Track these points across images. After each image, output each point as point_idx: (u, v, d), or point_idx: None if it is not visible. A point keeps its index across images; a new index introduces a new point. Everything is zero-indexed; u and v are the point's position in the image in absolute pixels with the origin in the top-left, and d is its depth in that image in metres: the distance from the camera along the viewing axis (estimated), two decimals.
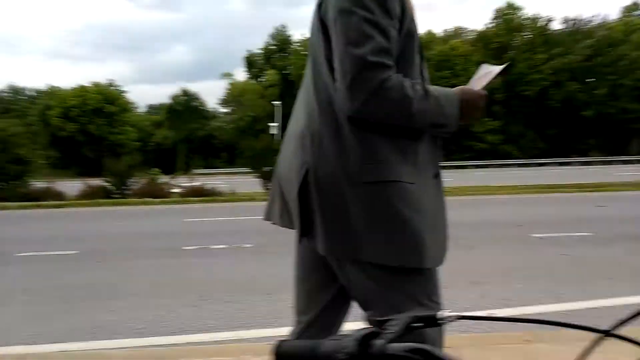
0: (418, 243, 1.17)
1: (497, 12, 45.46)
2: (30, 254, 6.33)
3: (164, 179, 16.26)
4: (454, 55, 40.17)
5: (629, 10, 46.14)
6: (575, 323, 0.56)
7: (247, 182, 16.52)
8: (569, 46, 41.86)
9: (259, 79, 48.51)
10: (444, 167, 1.52)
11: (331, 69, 1.20)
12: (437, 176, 1.28)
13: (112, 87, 46.92)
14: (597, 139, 41.49)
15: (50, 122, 41.49)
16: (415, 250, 1.17)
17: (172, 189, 15.21)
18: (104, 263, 5.86)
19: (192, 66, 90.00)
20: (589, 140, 41.39)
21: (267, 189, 15.03)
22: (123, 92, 47.64)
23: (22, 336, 3.36)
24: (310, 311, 1.37)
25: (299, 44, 46.96)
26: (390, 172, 1.18)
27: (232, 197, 14.30)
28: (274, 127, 35.56)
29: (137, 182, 15.00)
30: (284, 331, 3.29)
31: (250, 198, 13.79)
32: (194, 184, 15.56)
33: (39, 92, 50.51)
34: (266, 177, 15.11)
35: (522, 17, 44.73)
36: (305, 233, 1.24)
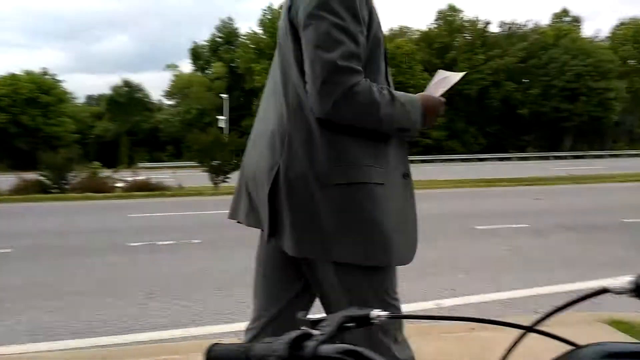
0: (387, 243, 1.21)
1: (439, 13, 46.92)
2: None
3: (106, 173, 15.59)
4: (400, 53, 41.06)
5: (558, 16, 49.17)
6: (501, 320, 0.59)
7: (194, 176, 16.15)
8: (505, 48, 43.87)
9: (205, 72, 47.43)
10: None
11: (301, 71, 1.21)
12: (406, 176, 1.31)
13: (46, 76, 44.25)
14: (532, 135, 43.86)
15: None
16: (384, 250, 1.21)
17: (115, 183, 14.61)
18: (41, 261, 5.54)
19: (134, 56, 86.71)
20: (525, 137, 43.68)
21: (216, 183, 14.78)
22: (59, 81, 45.03)
23: None
24: (272, 307, 1.38)
25: (245, 37, 46.31)
26: (360, 174, 1.20)
27: (180, 191, 13.94)
28: (221, 120, 34.98)
29: (77, 176, 14.29)
30: (235, 327, 3.29)
31: (198, 193, 13.50)
32: (138, 178, 15.02)
33: None
34: (214, 171, 14.85)
35: (463, 19, 46.42)
36: (273, 233, 1.25)
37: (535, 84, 42.84)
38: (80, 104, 51.38)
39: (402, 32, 48.22)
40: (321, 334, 0.50)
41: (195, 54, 48.66)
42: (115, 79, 73.45)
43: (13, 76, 41.48)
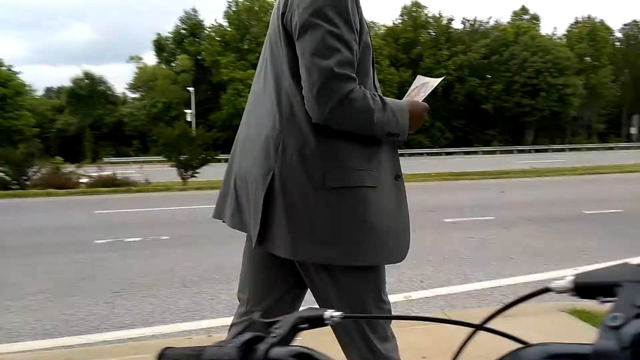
0: (380, 243, 1.26)
1: (404, 9, 47.43)
2: None
3: (69, 168, 15.09)
4: None
5: (517, 14, 50.56)
6: (452, 319, 0.60)
7: (162, 171, 15.85)
8: (468, 45, 44.79)
9: (170, 64, 46.44)
10: None
11: (294, 77, 1.24)
12: (398, 177, 1.35)
13: (2, 67, 42.42)
14: (497, 130, 45.00)
15: None
16: (378, 251, 1.26)
17: (79, 179, 14.18)
18: (2, 260, 5.34)
19: (96, 47, 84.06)
20: (490, 131, 44.78)
21: (184, 178, 14.55)
22: (15, 73, 43.23)
23: None
24: (264, 302, 1.41)
25: (211, 29, 45.53)
26: (353, 178, 1.24)
27: (147, 187, 13.66)
28: (188, 114, 34.39)
29: (38, 172, 13.81)
30: (205, 324, 3.26)
31: (166, 188, 13.27)
32: (103, 173, 14.63)
33: None
34: (182, 166, 14.61)
35: (427, 16, 47.08)
36: (264, 237, 1.27)
37: (498, 80, 43.96)
38: (39, 96, 49.54)
39: (369, 27, 48.57)
40: (274, 337, 0.50)
41: (160, 46, 47.54)
42: (76, 71, 71.10)
43: None
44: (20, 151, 14.03)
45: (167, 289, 4.12)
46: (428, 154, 35.87)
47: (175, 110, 40.79)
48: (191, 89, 37.42)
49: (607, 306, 0.44)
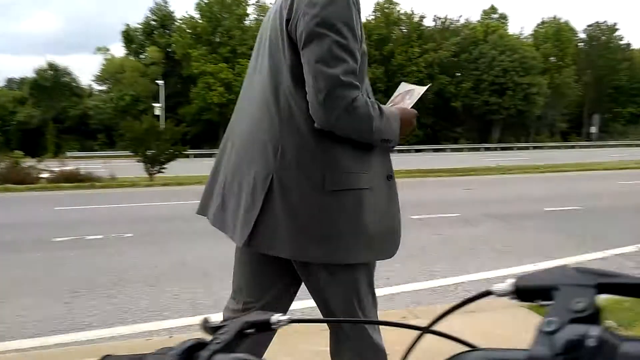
0: (375, 241, 1.33)
1: (376, 5, 47.70)
2: None
3: (29, 162, 14.55)
4: None
5: (487, 13, 51.62)
6: (397, 322, 0.61)
7: (129, 166, 15.49)
8: (439, 42, 45.46)
9: (139, 56, 45.32)
10: None
11: (295, 82, 1.28)
12: (390, 178, 1.40)
13: None
14: (464, 128, 45.89)
15: None
16: (373, 248, 1.34)
17: (40, 174, 13.68)
18: None
19: (61, 37, 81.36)
20: (458, 129, 45.61)
21: (150, 174, 14.24)
22: None
23: None
24: (262, 298, 1.46)
25: (182, 21, 44.62)
26: (350, 181, 1.30)
27: (112, 183, 13.30)
28: (157, 107, 33.71)
29: None
30: (167, 324, 3.20)
31: (132, 184, 12.96)
32: (66, 168, 14.15)
33: None
34: (149, 162, 14.29)
35: (399, 12, 47.48)
36: (255, 239, 1.31)
37: (467, 78, 44.78)
38: (0, 87, 47.62)
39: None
40: (217, 343, 0.48)
41: (128, 37, 46.29)
42: (40, 62, 68.67)
43: None
44: None
45: (129, 288, 4.02)
46: (398, 151, 36.28)
47: (144, 103, 39.87)
48: (160, 82, 36.65)
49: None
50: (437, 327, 0.55)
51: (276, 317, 0.54)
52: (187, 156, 30.50)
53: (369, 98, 1.33)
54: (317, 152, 1.28)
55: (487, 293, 0.51)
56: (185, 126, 16.45)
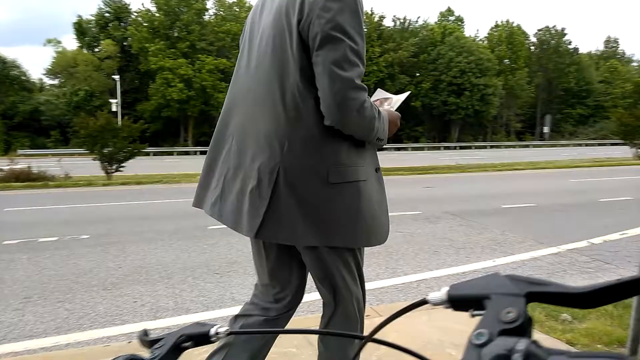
0: (373, 227, 1.45)
1: None
2: None
3: None
4: None
5: (444, 15, 52.87)
6: (342, 332, 0.62)
7: (85, 165, 14.94)
8: (399, 42, 46.18)
9: (93, 49, 43.67)
10: None
11: (304, 80, 1.35)
12: (377, 170, 1.52)
13: None
14: (425, 127, 46.83)
15: None
16: (370, 234, 1.45)
17: None
18: None
19: (8, 28, 77.25)
20: (419, 128, 46.50)
21: (108, 172, 13.78)
22: None
23: None
24: (290, 287, 1.60)
25: (138, 14, 43.26)
26: (351, 174, 1.41)
27: (66, 182, 12.77)
28: (114, 103, 32.67)
29: None
30: (126, 329, 3.10)
31: (88, 183, 12.49)
32: (16, 167, 13.50)
33: None
34: (106, 160, 13.83)
35: None
36: (263, 230, 1.38)
37: (427, 79, 45.69)
38: None
39: None
40: (152, 358, 0.47)
41: (81, 29, 44.45)
42: None
43: None
44: None
45: (85, 292, 3.87)
46: None
47: (99, 99, 38.56)
48: (116, 77, 35.52)
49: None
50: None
51: (214, 329, 0.53)
52: (147, 154, 29.82)
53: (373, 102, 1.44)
54: (322, 147, 1.37)
55: (423, 302, 0.51)
56: (143, 123, 15.99)
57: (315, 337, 1.61)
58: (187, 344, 0.51)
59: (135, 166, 14.69)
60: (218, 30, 42.37)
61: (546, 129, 44.52)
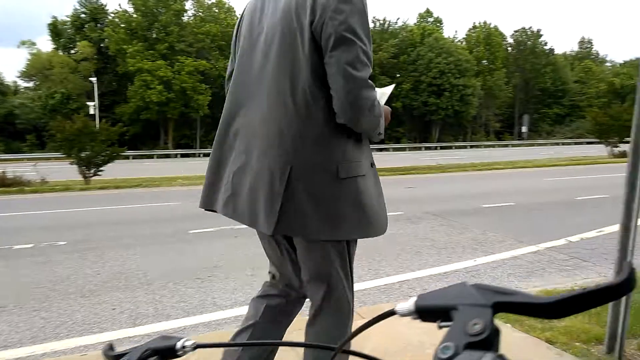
0: (374, 219, 1.51)
1: None
2: None
3: None
4: None
5: (423, 17, 53.41)
6: (309, 343, 0.62)
7: (62, 169, 14.65)
8: (379, 43, 46.49)
9: (69, 51, 42.84)
10: None
11: (315, 78, 1.39)
12: (373, 165, 1.57)
13: None
14: (405, 127, 47.20)
15: None
16: (370, 226, 1.50)
17: None
18: None
19: None
20: (400, 128, 46.84)
21: (86, 177, 13.53)
22: None
23: None
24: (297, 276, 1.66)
25: (115, 15, 42.58)
26: (355, 169, 1.47)
27: (43, 187, 12.50)
28: (91, 106, 32.14)
29: None
30: (105, 337, 3.03)
31: (66, 188, 12.25)
32: None
33: None
34: (84, 164, 13.58)
35: None
36: (279, 225, 1.42)
37: (407, 79, 46.08)
38: None
39: None
40: None
41: (56, 31, 43.55)
42: None
43: None
44: None
45: (62, 300, 3.78)
46: None
47: (76, 102, 37.86)
48: (94, 79, 34.92)
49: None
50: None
51: (181, 343, 0.52)
52: (127, 158, 29.40)
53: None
54: (331, 144, 1.42)
55: (391, 313, 0.51)
56: (122, 126, 15.74)
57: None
58: (152, 359, 0.50)
59: (114, 170, 14.46)
60: (197, 32, 42.01)
61: (524, 129, 45.30)
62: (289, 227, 1.43)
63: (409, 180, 12.52)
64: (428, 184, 11.86)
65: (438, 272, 4.35)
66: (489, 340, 0.40)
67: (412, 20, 53.14)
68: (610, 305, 2.24)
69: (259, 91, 1.49)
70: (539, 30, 57.30)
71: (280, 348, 1.78)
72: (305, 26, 1.37)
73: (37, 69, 41.16)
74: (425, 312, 0.47)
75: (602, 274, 4.14)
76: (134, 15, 41.19)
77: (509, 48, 56.31)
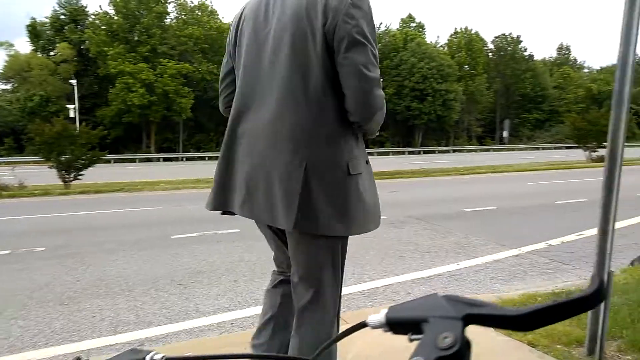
0: (372, 214, 1.57)
1: None
2: None
3: None
4: None
5: (405, 22, 53.92)
6: (268, 354, 0.61)
7: (42, 173, 14.37)
8: None
9: (48, 53, 42.09)
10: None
11: (327, 78, 1.45)
12: (367, 162, 1.63)
13: None
14: (389, 132, 47.46)
15: None
16: (369, 220, 1.56)
17: None
18: None
19: None
20: (383, 133, 47.07)
21: (66, 181, 13.29)
22: None
23: None
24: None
25: (95, 17, 41.97)
26: (357, 166, 1.53)
27: (21, 191, 12.25)
28: (71, 109, 31.64)
29: None
30: (84, 345, 2.97)
31: (45, 192, 12.01)
32: None
33: None
34: (64, 168, 13.34)
35: None
36: (300, 220, 1.45)
37: (390, 84, 46.40)
38: None
39: None
40: None
41: (35, 32, 42.76)
42: None
43: None
44: None
45: (40, 308, 3.70)
46: None
47: (56, 104, 37.20)
48: (74, 81, 34.37)
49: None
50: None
51: (150, 356, 0.51)
52: (108, 161, 28.96)
53: None
54: (341, 142, 1.49)
55: (362, 325, 0.51)
56: (103, 129, 15.50)
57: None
58: None
59: (95, 174, 14.24)
60: (180, 34, 41.70)
61: (505, 133, 45.95)
62: (307, 222, 1.47)
63: (392, 185, 12.58)
64: (411, 188, 11.93)
65: (421, 276, 4.37)
66: (460, 354, 0.40)
67: (394, 25, 53.47)
68: None
69: (268, 90, 1.51)
70: (518, 37, 58.34)
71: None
72: (318, 28, 1.43)
73: (15, 70, 40.32)
74: (396, 325, 0.47)
75: (582, 277, 4.21)
76: (115, 17, 40.68)
77: (490, 54, 57.13)
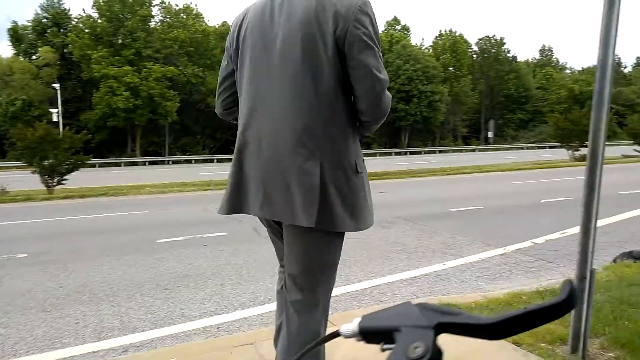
0: (369, 211, 1.64)
1: None
2: None
3: None
4: None
5: (390, 24, 54.25)
6: None
7: (25, 178, 14.13)
8: None
9: (30, 57, 41.46)
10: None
11: (338, 81, 1.50)
12: (363, 160, 1.68)
13: None
14: (376, 133, 47.61)
15: None
16: (370, 217, 1.63)
17: None
18: None
19: None
20: (370, 134, 47.26)
21: (49, 186, 13.09)
22: None
23: None
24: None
25: (78, 20, 41.44)
26: (362, 165, 1.62)
27: (2, 196, 12.03)
28: (54, 113, 31.21)
29: None
30: (67, 352, 2.92)
31: (27, 197, 11.82)
32: None
33: None
34: (47, 173, 13.14)
35: None
36: (317, 219, 1.49)
37: None
38: None
39: None
40: None
41: (16, 36, 42.13)
42: None
43: None
44: None
45: (22, 315, 3.63)
46: None
47: (38, 109, 36.65)
48: (57, 85, 33.91)
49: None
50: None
51: None
52: (93, 166, 28.60)
53: None
54: (350, 142, 1.57)
55: (335, 335, 0.50)
56: (87, 133, 15.30)
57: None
58: None
59: (79, 179, 14.06)
60: (165, 38, 41.40)
61: (490, 134, 46.40)
62: (325, 219, 1.51)
63: (380, 185, 12.61)
64: (398, 189, 11.98)
65: (408, 276, 4.38)
66: None
67: (380, 28, 53.72)
68: None
69: (278, 92, 1.53)
70: (502, 39, 59.03)
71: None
72: (330, 33, 1.47)
73: None
74: (369, 334, 0.47)
75: (566, 275, 4.26)
76: (99, 21, 40.24)
77: (474, 55, 57.71)
